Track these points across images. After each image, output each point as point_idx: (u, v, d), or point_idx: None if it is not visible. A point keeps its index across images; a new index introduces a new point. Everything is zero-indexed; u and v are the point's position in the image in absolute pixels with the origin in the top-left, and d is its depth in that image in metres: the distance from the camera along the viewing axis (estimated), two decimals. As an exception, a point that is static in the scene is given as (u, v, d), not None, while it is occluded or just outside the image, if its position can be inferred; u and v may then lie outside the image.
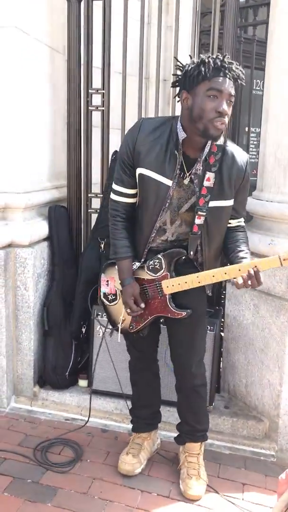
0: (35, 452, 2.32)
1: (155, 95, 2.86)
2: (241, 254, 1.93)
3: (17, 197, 2.62)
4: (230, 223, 2.02)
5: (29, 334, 2.70)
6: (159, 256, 1.99)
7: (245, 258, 1.90)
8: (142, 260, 2.02)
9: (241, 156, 1.92)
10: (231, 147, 1.91)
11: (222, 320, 2.76)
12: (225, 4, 2.65)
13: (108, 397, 2.69)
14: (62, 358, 2.77)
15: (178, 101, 1.88)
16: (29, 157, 2.71)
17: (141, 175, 1.90)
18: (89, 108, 2.88)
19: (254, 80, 4.13)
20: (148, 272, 2.01)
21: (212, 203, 1.89)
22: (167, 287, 1.98)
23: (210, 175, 1.85)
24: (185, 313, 1.99)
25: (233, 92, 1.72)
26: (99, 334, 2.65)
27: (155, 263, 1.99)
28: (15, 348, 2.73)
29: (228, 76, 1.70)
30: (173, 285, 1.96)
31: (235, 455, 2.46)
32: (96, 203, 2.97)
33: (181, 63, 1.84)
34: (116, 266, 2.06)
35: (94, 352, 2.67)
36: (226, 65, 1.69)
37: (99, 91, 2.86)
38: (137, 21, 2.79)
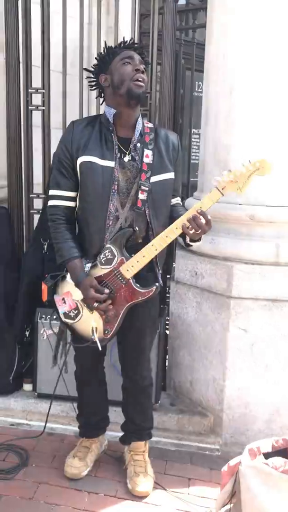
0: (-22, 460, 2.27)
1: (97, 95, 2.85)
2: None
3: None
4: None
5: None
6: (107, 245, 1.93)
7: None
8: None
9: (172, 133, 2.09)
10: (161, 128, 2.10)
11: (167, 318, 2.80)
12: (164, 7, 2.69)
13: (54, 400, 2.64)
14: (6, 362, 2.71)
15: (101, 102, 2.03)
16: None
17: (83, 163, 1.91)
18: (29, 107, 2.84)
19: (196, 82, 4.20)
20: (103, 266, 1.95)
21: (154, 178, 1.95)
22: (128, 270, 1.92)
23: (148, 152, 1.95)
24: (154, 287, 1.94)
25: (142, 64, 1.91)
26: (43, 337, 2.62)
27: (106, 254, 1.93)
28: None
29: (133, 49, 1.92)
30: (132, 266, 1.91)
31: (181, 451, 2.49)
32: (38, 204, 2.93)
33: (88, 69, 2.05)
34: (67, 279, 2.02)
35: (39, 355, 2.63)
36: (130, 42, 1.95)
37: (39, 90, 2.82)
38: (78, 20, 2.78)
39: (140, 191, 1.92)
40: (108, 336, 2.02)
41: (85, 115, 2.90)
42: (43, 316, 2.61)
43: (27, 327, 2.74)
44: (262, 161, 1.84)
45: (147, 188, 1.92)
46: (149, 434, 2.27)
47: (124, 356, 2.17)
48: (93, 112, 2.90)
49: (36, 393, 2.68)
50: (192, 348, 2.69)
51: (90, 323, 2.00)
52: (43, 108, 2.83)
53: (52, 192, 2.00)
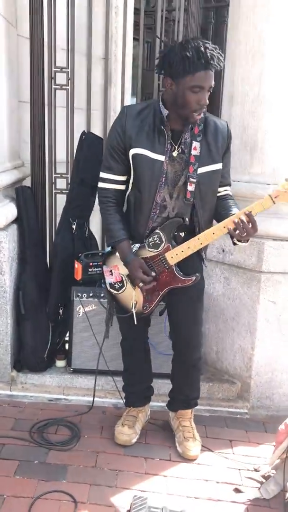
0: (31, 434, 2.33)
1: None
2: (233, 211, 2.05)
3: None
4: (218, 191, 2.15)
5: (5, 319, 2.64)
6: (157, 230, 2.06)
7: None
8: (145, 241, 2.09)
9: (222, 123, 2.11)
10: (211, 117, 2.09)
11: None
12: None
13: (89, 375, 2.72)
14: (40, 341, 2.75)
15: (163, 88, 2.04)
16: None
17: (135, 155, 1.99)
18: (53, 86, 2.82)
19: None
20: (150, 249, 2.08)
21: (201, 169, 2.01)
22: (172, 257, 2.05)
23: (196, 144, 2.00)
24: (194, 277, 2.08)
25: (213, 83, 1.88)
26: (79, 314, 2.68)
27: (155, 239, 2.06)
28: (-10, 334, 2.66)
29: (210, 68, 1.83)
30: (177, 254, 2.04)
31: (214, 416, 2.67)
32: (61, 183, 2.95)
33: (163, 50, 1.95)
34: (116, 254, 2.13)
35: (75, 332, 2.70)
36: (209, 58, 1.79)
37: (63, 69, 2.81)
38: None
39: (189, 183, 2.01)
40: (146, 312, 2.17)
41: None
42: (79, 294, 2.67)
43: (60, 305, 2.78)
44: None
45: (195, 180, 2.01)
46: (195, 402, 2.42)
47: (178, 327, 2.25)
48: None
49: (71, 369, 2.75)
50: (218, 320, 2.85)
51: (132, 297, 2.15)
52: (68, 87, 2.83)
53: (103, 175, 2.09)
